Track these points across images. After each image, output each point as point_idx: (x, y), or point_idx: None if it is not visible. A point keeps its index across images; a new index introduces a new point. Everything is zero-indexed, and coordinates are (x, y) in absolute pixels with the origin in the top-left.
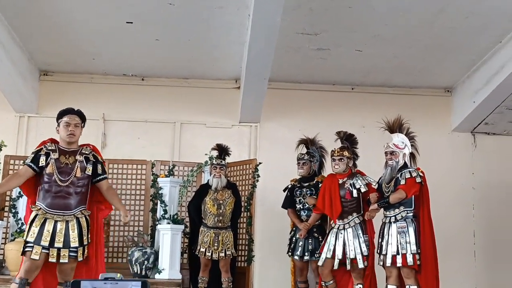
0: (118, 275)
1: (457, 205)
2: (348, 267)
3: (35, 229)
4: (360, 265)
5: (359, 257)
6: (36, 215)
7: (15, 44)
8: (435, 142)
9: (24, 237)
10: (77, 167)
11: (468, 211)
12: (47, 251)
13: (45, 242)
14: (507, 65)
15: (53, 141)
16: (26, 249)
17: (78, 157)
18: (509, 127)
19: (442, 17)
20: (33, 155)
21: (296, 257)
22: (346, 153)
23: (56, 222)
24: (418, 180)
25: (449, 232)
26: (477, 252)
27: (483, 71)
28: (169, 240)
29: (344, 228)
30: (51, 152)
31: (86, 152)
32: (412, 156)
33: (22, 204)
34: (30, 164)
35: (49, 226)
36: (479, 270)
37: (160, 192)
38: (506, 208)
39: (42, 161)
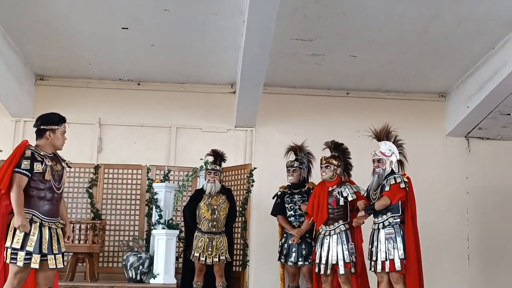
0: None
1: (451, 210)
2: (329, 271)
3: (33, 237)
4: (341, 271)
5: (340, 263)
6: (30, 222)
7: (11, 49)
8: (430, 146)
9: (16, 245)
10: (65, 174)
11: (462, 215)
12: (45, 258)
13: (44, 250)
14: (500, 71)
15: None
16: (26, 260)
17: (63, 164)
18: (502, 132)
19: (436, 23)
20: (27, 161)
21: (290, 263)
22: (333, 161)
23: (49, 228)
24: (403, 185)
25: (443, 236)
26: (471, 256)
27: (476, 77)
28: (164, 245)
29: (329, 235)
30: (44, 159)
31: (63, 159)
32: (401, 163)
33: None
34: (26, 173)
35: (45, 234)
36: (473, 274)
37: (155, 197)
38: (500, 213)
39: (38, 167)
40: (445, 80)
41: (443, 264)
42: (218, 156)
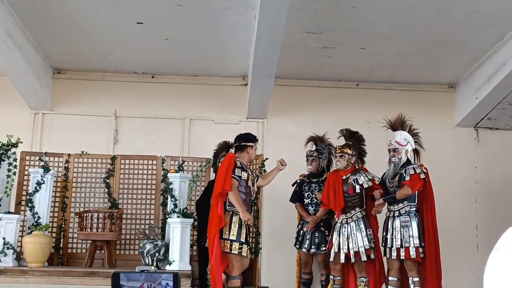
0: (153, 267)
1: (460, 199)
2: (352, 259)
3: (243, 231)
4: (363, 258)
5: (362, 250)
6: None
7: (30, 44)
8: (439, 137)
9: (236, 238)
10: (255, 181)
11: (471, 204)
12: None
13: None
14: (509, 62)
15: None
16: (241, 249)
17: (253, 172)
18: (511, 122)
19: (444, 16)
20: (238, 170)
21: (303, 250)
22: (347, 150)
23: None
24: (422, 176)
25: (452, 225)
26: (480, 245)
27: (485, 68)
28: (179, 233)
29: (347, 223)
30: (247, 169)
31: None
32: (416, 152)
33: (38, 198)
34: (238, 178)
35: (245, 228)
36: (482, 262)
37: (170, 186)
38: (509, 202)
39: (244, 176)
40: (454, 71)
41: (452, 252)
42: (228, 148)
